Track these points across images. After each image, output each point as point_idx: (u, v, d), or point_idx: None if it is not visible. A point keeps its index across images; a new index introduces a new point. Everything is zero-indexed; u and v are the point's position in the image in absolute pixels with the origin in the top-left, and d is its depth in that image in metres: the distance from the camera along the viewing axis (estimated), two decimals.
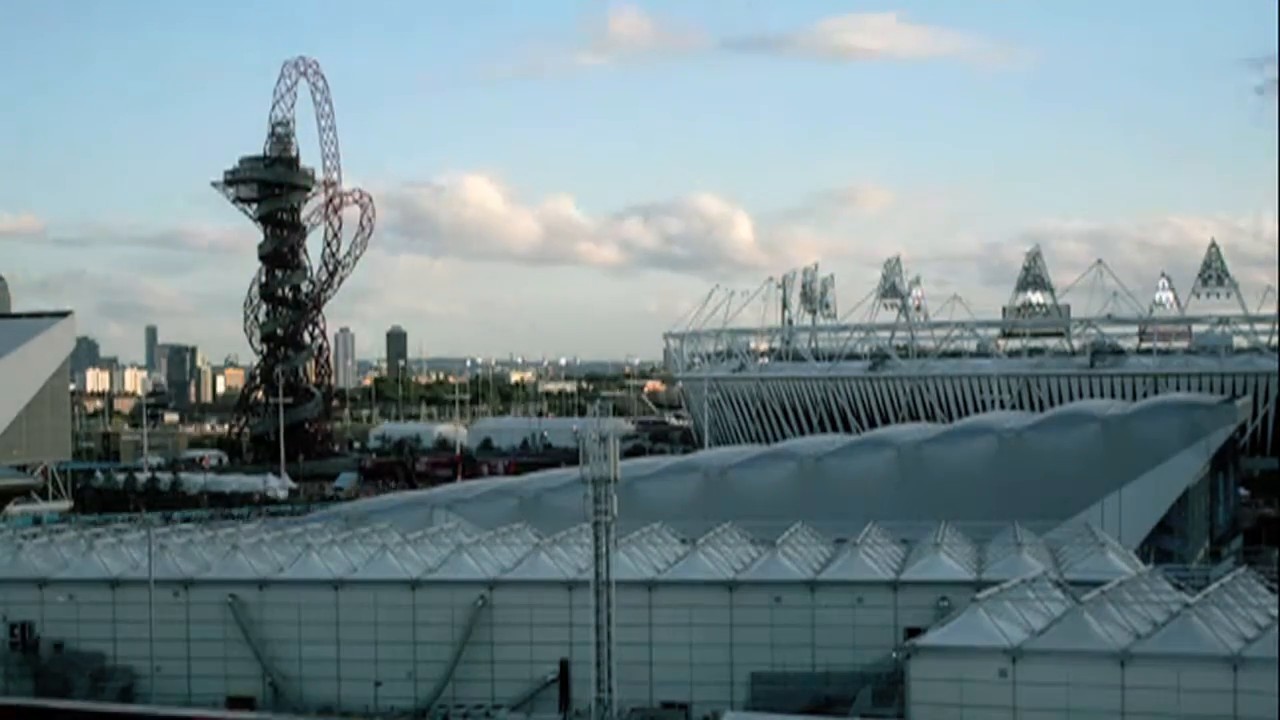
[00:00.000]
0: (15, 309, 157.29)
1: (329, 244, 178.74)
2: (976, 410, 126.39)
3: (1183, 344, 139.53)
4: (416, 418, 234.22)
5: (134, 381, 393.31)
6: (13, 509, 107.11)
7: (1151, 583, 43.75)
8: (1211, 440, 72.47)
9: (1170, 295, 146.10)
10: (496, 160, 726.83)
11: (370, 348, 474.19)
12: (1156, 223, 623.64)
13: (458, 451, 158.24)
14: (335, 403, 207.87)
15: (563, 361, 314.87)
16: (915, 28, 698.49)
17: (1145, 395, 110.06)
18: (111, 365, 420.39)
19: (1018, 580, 43.88)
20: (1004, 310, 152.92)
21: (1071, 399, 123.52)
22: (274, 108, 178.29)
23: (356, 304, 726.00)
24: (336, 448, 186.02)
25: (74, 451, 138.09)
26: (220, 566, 54.78)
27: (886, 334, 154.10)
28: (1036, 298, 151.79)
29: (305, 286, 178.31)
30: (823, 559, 53.23)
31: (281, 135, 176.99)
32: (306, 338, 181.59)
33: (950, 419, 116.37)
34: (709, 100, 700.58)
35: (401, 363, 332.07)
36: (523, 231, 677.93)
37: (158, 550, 53.10)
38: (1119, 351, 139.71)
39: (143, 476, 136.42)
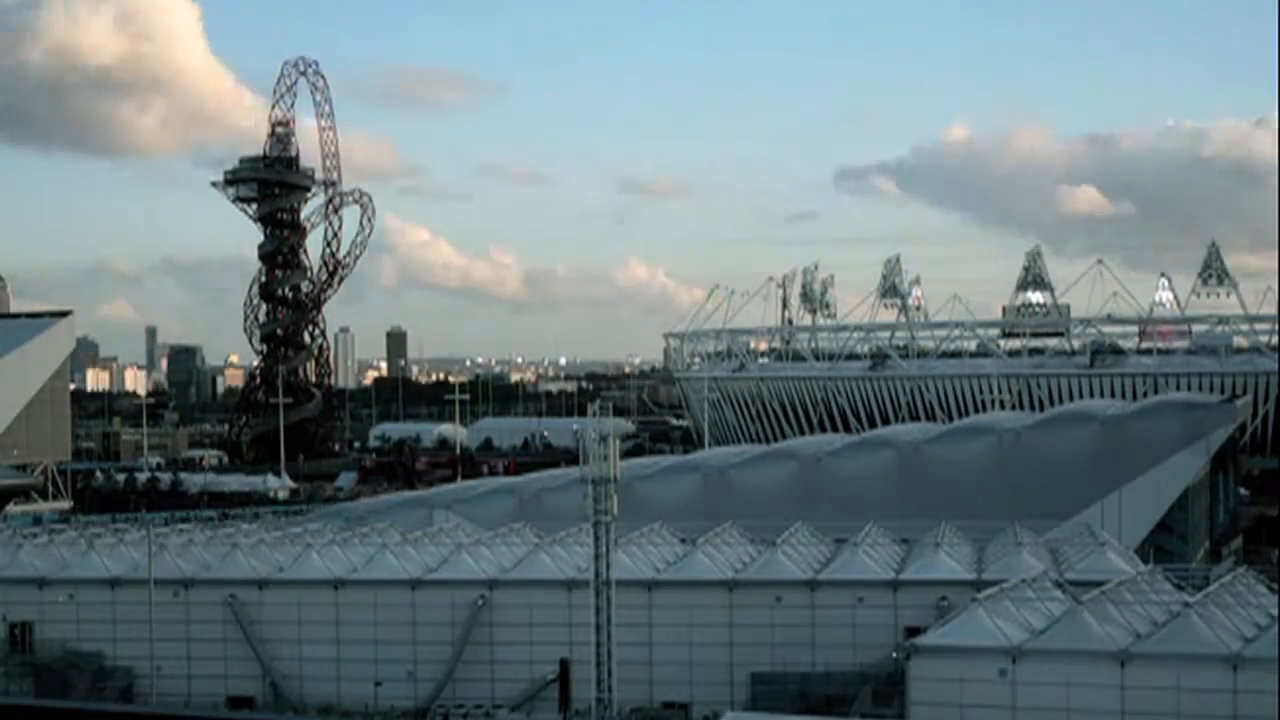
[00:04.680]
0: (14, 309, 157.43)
1: (329, 244, 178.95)
2: (976, 410, 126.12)
3: (1183, 344, 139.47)
4: (416, 418, 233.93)
5: (134, 381, 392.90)
6: (13, 509, 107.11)
7: (1151, 583, 43.78)
8: (1211, 440, 72.41)
9: (1170, 295, 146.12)
10: None
11: (370, 348, 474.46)
12: None
13: (458, 451, 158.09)
14: (335, 403, 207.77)
15: (562, 361, 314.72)
16: None
17: (1145, 395, 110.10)
18: (111, 365, 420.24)
19: (1018, 580, 43.90)
20: (1004, 310, 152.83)
21: (1071, 399, 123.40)
22: (274, 108, 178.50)
23: (356, 304, 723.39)
24: (336, 448, 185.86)
25: (74, 451, 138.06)
26: (220, 566, 54.82)
27: (886, 334, 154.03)
28: (1036, 297, 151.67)
29: (305, 286, 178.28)
30: (823, 559, 53.27)
31: (281, 135, 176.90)
32: (306, 338, 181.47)
33: (950, 419, 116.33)
34: None
35: (401, 363, 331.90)
36: None
37: (157, 550, 53.12)
38: (1119, 351, 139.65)
39: (143, 476, 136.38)
